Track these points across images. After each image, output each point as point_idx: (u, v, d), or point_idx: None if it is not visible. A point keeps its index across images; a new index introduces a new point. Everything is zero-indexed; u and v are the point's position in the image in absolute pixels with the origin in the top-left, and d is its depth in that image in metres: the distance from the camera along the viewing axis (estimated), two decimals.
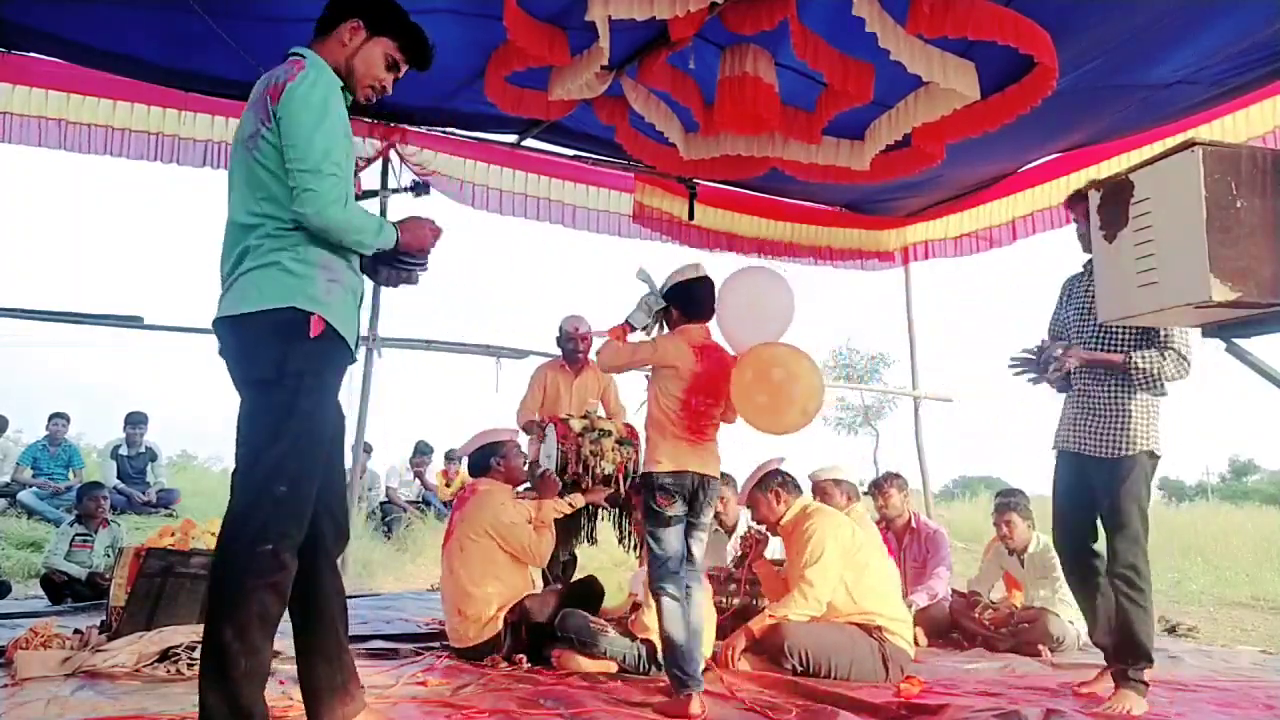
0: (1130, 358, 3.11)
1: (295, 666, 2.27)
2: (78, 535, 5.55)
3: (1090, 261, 3.36)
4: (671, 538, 3.13)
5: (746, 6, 3.81)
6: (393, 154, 5.44)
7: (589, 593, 3.98)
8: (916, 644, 4.00)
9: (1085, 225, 3.30)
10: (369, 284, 2.47)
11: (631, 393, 5.43)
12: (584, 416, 4.58)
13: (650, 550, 3.17)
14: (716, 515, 5.20)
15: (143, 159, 4.92)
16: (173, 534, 3.92)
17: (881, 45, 3.64)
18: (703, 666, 3.29)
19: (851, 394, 23.09)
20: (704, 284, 3.26)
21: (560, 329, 5.07)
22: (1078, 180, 5.44)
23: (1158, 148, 3.79)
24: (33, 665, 3.01)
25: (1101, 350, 3.21)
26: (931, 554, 4.96)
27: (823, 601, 3.70)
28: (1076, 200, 3.38)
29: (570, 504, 4.12)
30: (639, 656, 3.54)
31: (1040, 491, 3.74)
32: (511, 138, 5.67)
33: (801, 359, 3.21)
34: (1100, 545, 3.29)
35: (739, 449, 3.59)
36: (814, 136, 4.80)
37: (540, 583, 4.32)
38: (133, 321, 5.43)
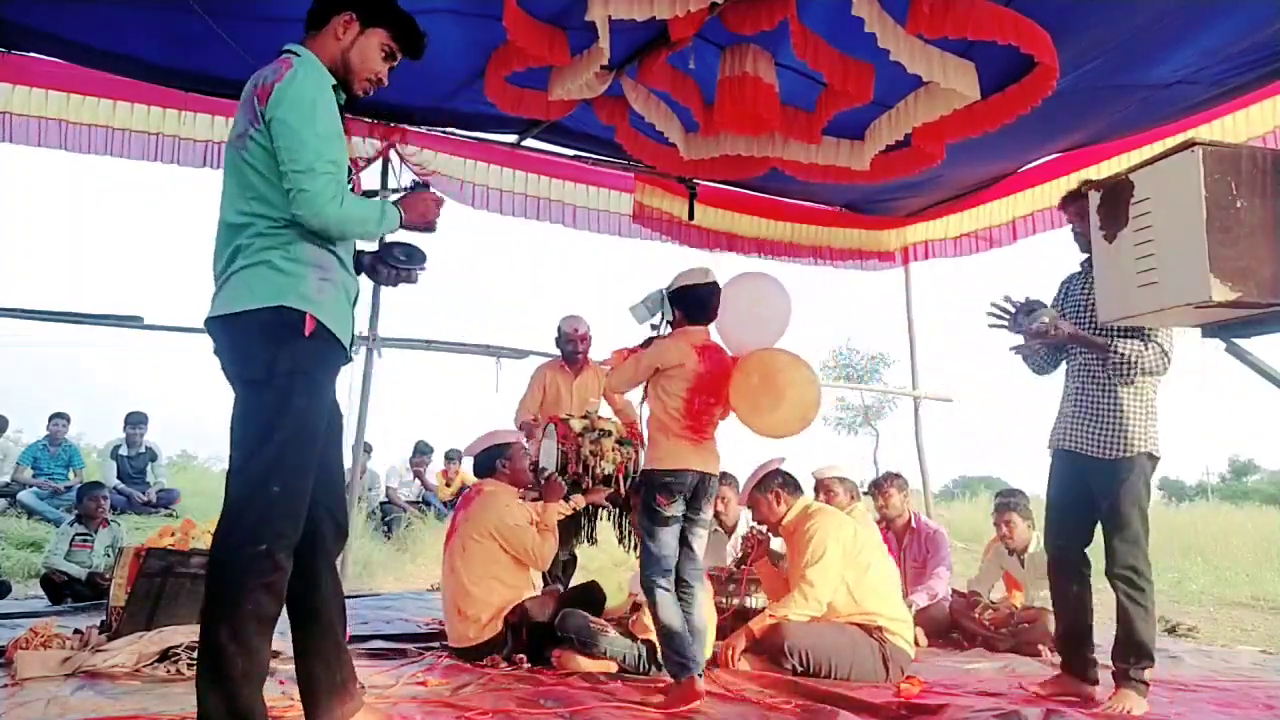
0: (1114, 341, 3.12)
1: (289, 665, 2.27)
2: (78, 535, 5.56)
3: (1087, 261, 3.36)
4: (667, 537, 3.19)
5: (746, 6, 3.81)
6: (393, 154, 5.43)
7: (590, 599, 3.97)
8: (916, 644, 4.00)
9: (1080, 225, 3.31)
10: (369, 284, 2.47)
11: (630, 393, 5.42)
12: (584, 416, 4.58)
13: (644, 546, 3.23)
14: (717, 515, 5.21)
15: (143, 159, 4.91)
16: (173, 534, 3.92)
17: (881, 45, 3.63)
18: (703, 667, 3.31)
19: (851, 394, 23.10)
20: (712, 288, 3.33)
21: (559, 329, 5.07)
22: (1078, 180, 5.43)
23: (1158, 148, 3.80)
24: (33, 665, 3.01)
25: (1093, 350, 3.21)
26: (931, 554, 4.96)
27: (823, 602, 3.70)
28: (1070, 200, 3.37)
29: (573, 506, 4.12)
30: (639, 656, 3.54)
31: (1040, 492, 3.74)
32: (511, 138, 5.67)
33: (804, 367, 3.33)
34: (1090, 548, 3.29)
35: (739, 449, 3.61)
36: (814, 136, 4.80)
37: (540, 584, 4.32)
38: (133, 321, 5.43)
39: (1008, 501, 4.79)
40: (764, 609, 3.90)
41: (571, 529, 4.46)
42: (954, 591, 4.93)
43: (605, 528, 4.73)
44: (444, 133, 5.56)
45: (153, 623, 3.41)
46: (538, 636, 3.66)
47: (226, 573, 2.01)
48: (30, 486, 7.58)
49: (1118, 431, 3.13)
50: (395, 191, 5.59)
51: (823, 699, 3.10)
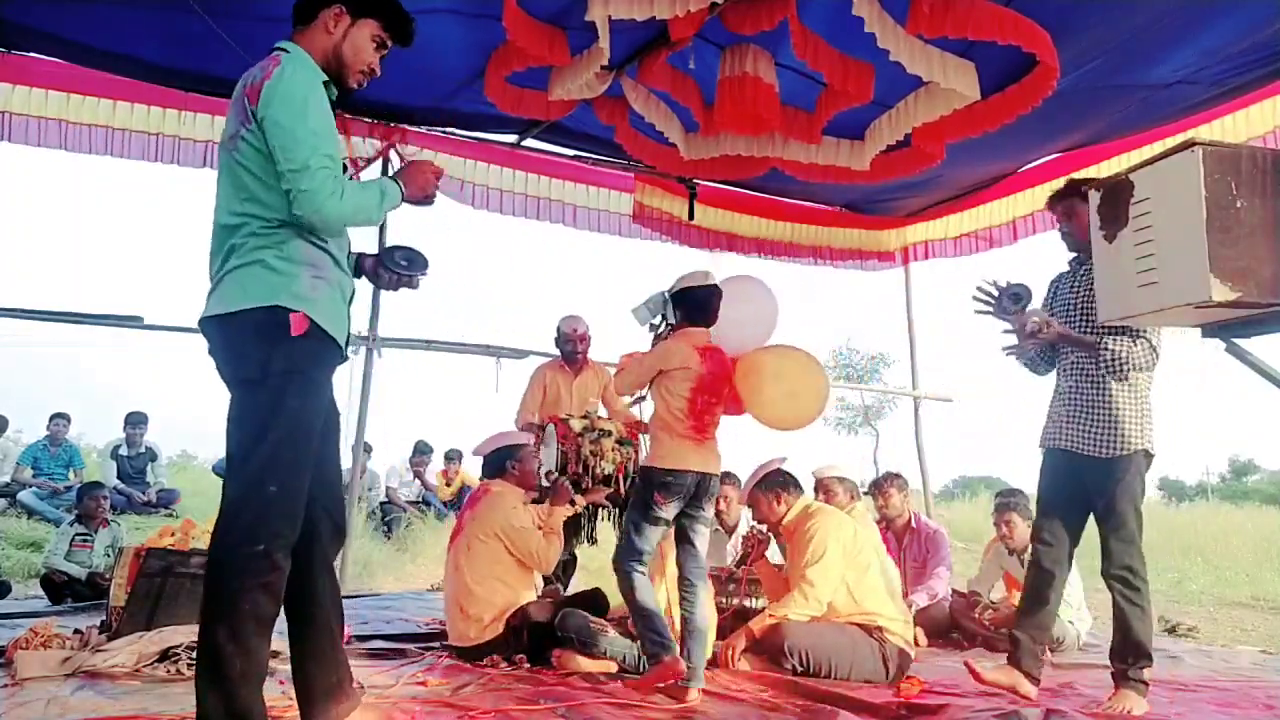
0: (1102, 338, 3.11)
1: (289, 665, 2.26)
2: (78, 535, 5.55)
3: (1075, 259, 3.36)
4: (653, 535, 3.29)
5: (746, 6, 3.81)
6: (393, 154, 5.43)
7: (594, 605, 3.96)
8: (916, 644, 4.00)
9: (1067, 224, 3.31)
10: (369, 283, 2.46)
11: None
12: (584, 416, 4.58)
13: (627, 536, 3.30)
14: (719, 514, 5.22)
15: (143, 159, 4.91)
16: (173, 534, 3.92)
17: (881, 45, 3.63)
18: (703, 667, 3.31)
19: (851, 394, 23.10)
20: (712, 290, 3.40)
21: (559, 330, 5.07)
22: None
23: (1158, 148, 3.80)
24: (33, 665, 3.01)
25: (1084, 349, 3.19)
26: (931, 554, 4.96)
27: (823, 601, 3.70)
28: (1058, 200, 3.36)
29: (576, 509, 4.13)
30: (639, 656, 3.54)
31: None
32: (511, 138, 5.67)
33: (818, 365, 3.55)
34: (1081, 548, 3.27)
35: (741, 447, 3.64)
36: (814, 136, 4.80)
37: (540, 584, 4.32)
38: (133, 321, 5.43)
39: (1008, 501, 4.79)
40: (764, 609, 3.90)
41: (571, 529, 4.45)
42: (954, 591, 4.93)
43: (605, 528, 4.73)
44: (444, 133, 5.56)
45: (153, 623, 3.41)
46: (538, 637, 3.65)
47: (224, 573, 2.00)
48: (30, 486, 7.58)
49: (1113, 429, 3.11)
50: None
51: (823, 699, 3.10)
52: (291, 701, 2.56)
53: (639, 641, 3.27)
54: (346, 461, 6.33)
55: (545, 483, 4.19)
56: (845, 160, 5.01)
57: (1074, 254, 3.36)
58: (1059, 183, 5.56)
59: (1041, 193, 5.78)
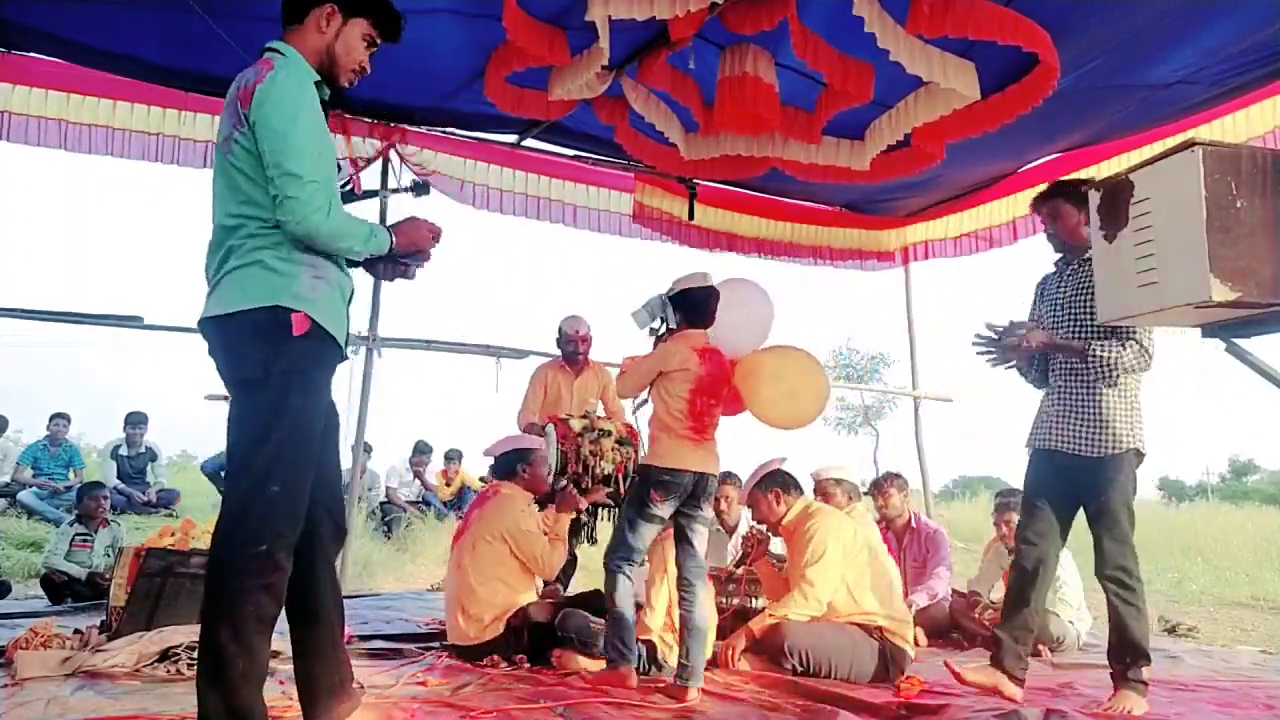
0: (1090, 345, 3.09)
1: (289, 665, 2.27)
2: (78, 535, 5.55)
3: (1061, 260, 3.35)
4: (647, 533, 3.31)
5: (746, 6, 3.81)
6: (393, 154, 5.43)
7: (593, 605, 3.96)
8: (916, 644, 4.00)
9: (1052, 225, 3.30)
10: (370, 283, 2.46)
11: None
12: (584, 416, 4.59)
13: (621, 533, 3.33)
14: (719, 514, 5.22)
15: (143, 159, 4.91)
16: (173, 534, 3.92)
17: (881, 45, 3.63)
18: (703, 666, 3.32)
19: (851, 394, 23.10)
20: (710, 292, 3.42)
21: (560, 330, 5.07)
22: (1077, 180, 5.43)
23: (1158, 148, 3.80)
24: (33, 665, 3.01)
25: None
26: (931, 554, 4.97)
27: (823, 601, 3.70)
28: (1042, 201, 3.35)
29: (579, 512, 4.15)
30: (639, 657, 3.54)
31: None
32: (511, 138, 5.67)
33: (819, 365, 3.58)
34: (1077, 549, 3.26)
35: (741, 447, 3.65)
36: (814, 136, 4.80)
37: (541, 584, 4.33)
38: (133, 321, 5.43)
39: (1008, 501, 4.79)
40: (764, 609, 3.90)
41: (572, 529, 4.45)
42: (954, 591, 4.93)
43: (605, 528, 4.73)
44: (444, 133, 5.56)
45: (153, 623, 3.41)
46: (538, 637, 3.66)
47: (226, 573, 2.00)
48: (30, 486, 7.58)
49: (1104, 429, 3.09)
50: (395, 191, 5.61)
51: (823, 699, 3.11)
52: (292, 701, 2.57)
53: (604, 640, 3.29)
54: (346, 461, 6.33)
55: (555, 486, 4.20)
56: (845, 160, 5.01)
57: (1060, 254, 3.36)
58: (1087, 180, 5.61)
59: None
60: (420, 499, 9.49)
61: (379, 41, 2.32)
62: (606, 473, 4.36)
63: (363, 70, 2.31)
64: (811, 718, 2.90)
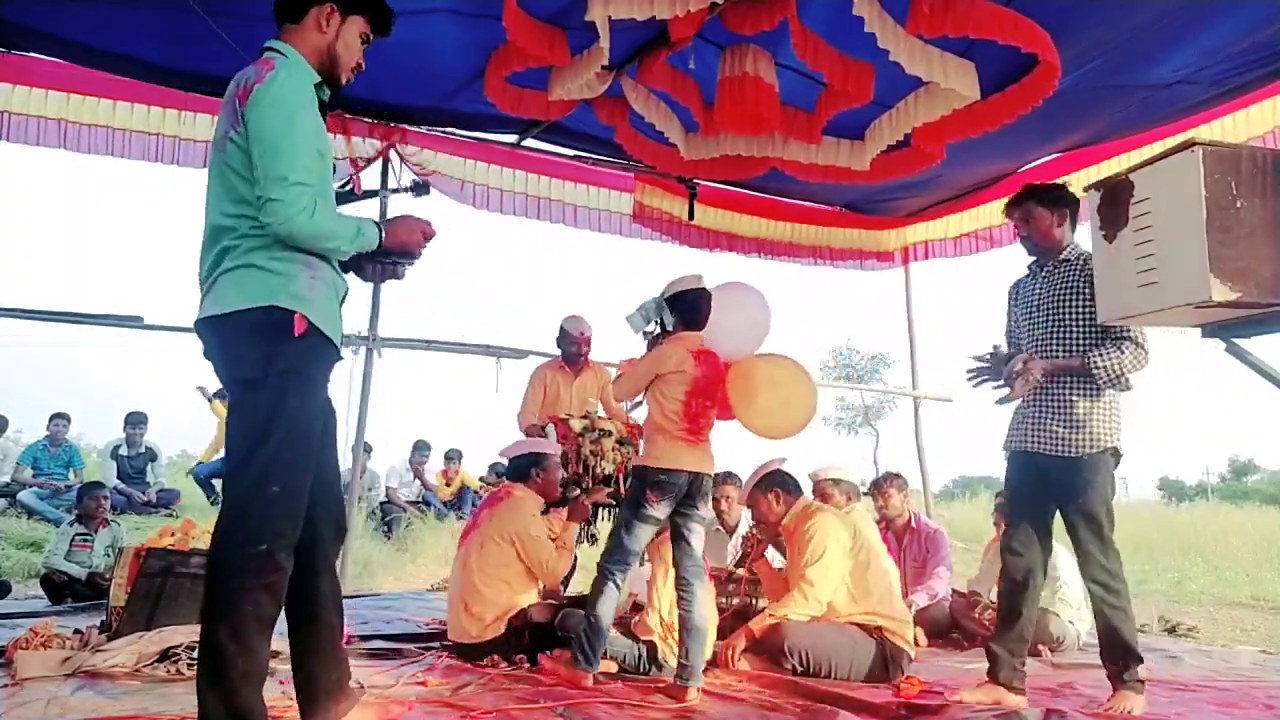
0: (1088, 359, 3.04)
1: (289, 665, 2.27)
2: (78, 535, 5.55)
3: (1035, 263, 3.34)
4: (643, 535, 3.32)
5: (746, 6, 3.81)
6: (393, 154, 5.43)
7: None
8: (916, 644, 4.00)
9: (1026, 229, 3.29)
10: (367, 283, 2.46)
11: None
12: (584, 416, 4.58)
13: (616, 535, 3.34)
14: (719, 514, 5.22)
15: (143, 159, 4.91)
16: (173, 534, 3.93)
17: (881, 45, 3.63)
18: (703, 666, 3.32)
19: (851, 394, 23.14)
20: (703, 294, 3.44)
21: (563, 330, 5.05)
22: (1078, 180, 5.43)
23: (1158, 148, 3.80)
24: (33, 665, 3.01)
25: (1055, 348, 3.16)
26: (931, 554, 4.96)
27: (823, 601, 3.70)
28: (1014, 206, 3.33)
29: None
30: (639, 657, 3.55)
31: None
32: (511, 138, 5.67)
33: (807, 374, 3.55)
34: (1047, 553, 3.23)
35: (741, 447, 3.65)
36: (814, 136, 4.80)
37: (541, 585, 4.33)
38: (133, 321, 5.43)
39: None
40: (764, 609, 3.90)
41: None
42: (954, 591, 4.93)
43: (606, 528, 4.72)
44: (444, 133, 5.56)
45: (153, 623, 3.41)
46: (538, 637, 3.66)
47: (226, 573, 2.00)
48: (30, 486, 7.58)
49: (1082, 429, 3.07)
50: (395, 191, 5.61)
51: (823, 699, 3.10)
52: (292, 702, 2.56)
53: (575, 640, 3.29)
54: (346, 461, 6.34)
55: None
56: (845, 160, 5.01)
57: (1034, 258, 3.34)
58: (1059, 183, 5.61)
59: None
60: (420, 499, 9.49)
61: (371, 39, 2.32)
62: (607, 473, 4.36)
63: (359, 68, 2.31)
64: (811, 718, 2.90)
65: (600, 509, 4.50)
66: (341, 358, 2.29)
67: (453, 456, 9.88)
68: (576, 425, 4.44)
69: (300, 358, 2.09)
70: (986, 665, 3.22)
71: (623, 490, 4.37)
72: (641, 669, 3.54)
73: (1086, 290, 3.10)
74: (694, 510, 3.36)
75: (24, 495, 7.47)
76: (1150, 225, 2.58)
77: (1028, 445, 3.19)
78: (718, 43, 4.17)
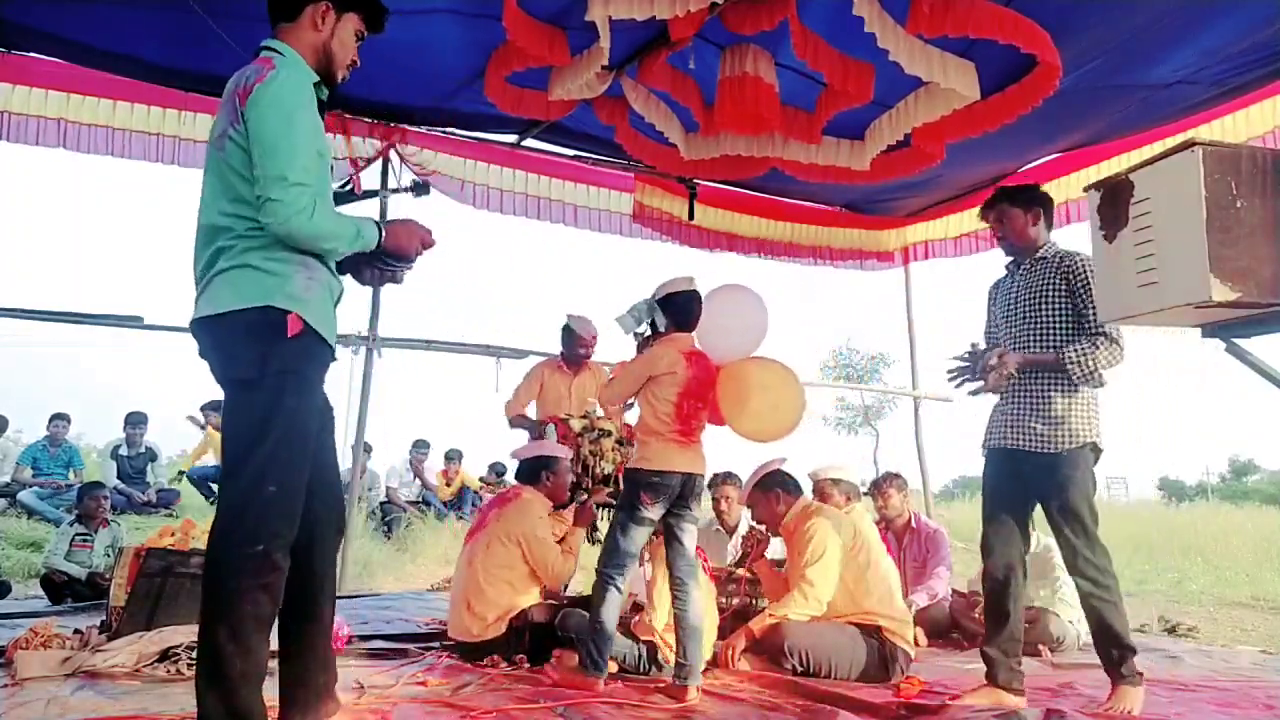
0: (1063, 354, 3.06)
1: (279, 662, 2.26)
2: (78, 535, 5.56)
3: (1012, 263, 3.36)
4: (639, 536, 3.32)
5: (746, 6, 3.81)
6: (393, 154, 5.43)
7: None
8: (916, 644, 4.00)
9: (1001, 230, 3.32)
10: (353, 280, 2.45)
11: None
12: (584, 416, 4.58)
13: (613, 539, 3.34)
14: (719, 514, 5.22)
15: (143, 159, 4.92)
16: (173, 534, 3.93)
17: (881, 45, 3.63)
18: (703, 667, 3.32)
19: (851, 394, 23.15)
20: (693, 295, 3.45)
21: (570, 330, 5.01)
22: (1078, 180, 5.44)
23: (1158, 148, 3.80)
24: (33, 665, 3.01)
25: (1032, 345, 3.16)
26: (931, 554, 4.96)
27: (823, 601, 3.70)
28: (988, 209, 3.37)
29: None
30: (639, 657, 3.55)
31: None
32: (511, 138, 5.67)
33: (795, 378, 3.52)
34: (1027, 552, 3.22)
35: (741, 447, 3.64)
36: (814, 136, 4.80)
37: None
38: (133, 321, 5.43)
39: None
40: (764, 609, 3.90)
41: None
42: (954, 591, 4.93)
43: (605, 528, 4.72)
44: (444, 133, 5.56)
45: (153, 623, 3.41)
46: (538, 637, 3.66)
47: (224, 573, 2.00)
48: (30, 486, 7.58)
49: (1061, 425, 3.07)
50: (395, 191, 5.60)
51: (823, 699, 3.10)
52: None
53: (583, 646, 3.29)
54: (346, 461, 6.35)
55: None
56: (845, 160, 5.01)
57: (1010, 258, 3.37)
58: (1061, 182, 5.63)
59: None
60: (420, 499, 9.50)
61: (365, 35, 2.33)
62: (607, 473, 4.36)
63: (355, 64, 2.31)
64: (811, 718, 2.90)
65: (601, 508, 4.50)
66: (336, 358, 2.29)
67: (453, 456, 9.89)
68: (576, 425, 4.45)
69: (296, 358, 2.09)
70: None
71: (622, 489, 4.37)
72: (641, 669, 3.54)
73: (1063, 288, 3.13)
74: (687, 511, 3.37)
75: (24, 495, 7.47)
76: (1150, 225, 2.58)
77: (1007, 442, 3.19)
78: (718, 43, 4.17)
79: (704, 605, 3.43)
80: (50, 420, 8.07)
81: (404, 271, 2.33)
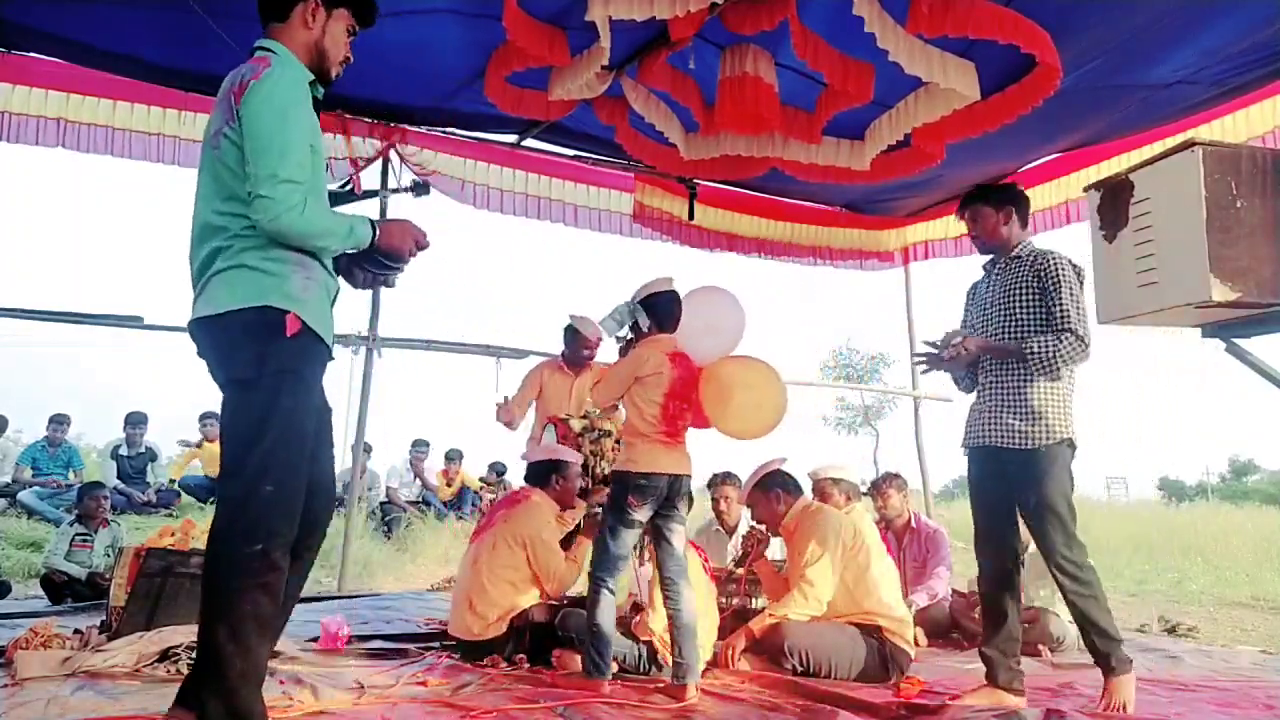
0: (1025, 344, 3.07)
1: (289, 665, 2.26)
2: (78, 535, 5.55)
3: (989, 262, 3.37)
4: (628, 538, 3.34)
5: (746, 6, 3.81)
6: (393, 154, 5.43)
7: None
8: (916, 644, 4.00)
9: (975, 229, 3.34)
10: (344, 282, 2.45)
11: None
12: (584, 417, 4.58)
13: (603, 543, 3.34)
14: (719, 514, 5.22)
15: (143, 159, 4.91)
16: (173, 534, 3.92)
17: (881, 45, 3.64)
18: (702, 666, 3.32)
19: (851, 394, 23.15)
20: (674, 296, 3.47)
21: (575, 332, 4.97)
22: (1078, 180, 5.44)
23: (1158, 148, 3.80)
24: (33, 665, 3.01)
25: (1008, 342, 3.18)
26: (931, 554, 4.96)
27: (823, 601, 3.70)
28: (963, 209, 3.39)
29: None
30: (639, 657, 3.55)
31: None
32: (511, 138, 5.67)
33: (777, 376, 3.52)
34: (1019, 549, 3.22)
35: (741, 447, 3.63)
36: (814, 136, 4.80)
37: None
38: (133, 321, 5.44)
39: None
40: (764, 609, 3.90)
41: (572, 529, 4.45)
42: (954, 591, 4.93)
43: None
44: (444, 133, 5.56)
45: (153, 623, 3.41)
46: (538, 638, 3.66)
47: (223, 573, 2.00)
48: (30, 486, 7.58)
49: (1037, 421, 3.06)
50: (395, 191, 5.60)
51: (823, 699, 3.10)
52: (292, 702, 2.57)
53: (584, 652, 3.29)
54: (346, 461, 6.35)
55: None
56: (845, 160, 5.01)
57: (987, 257, 3.38)
58: (1061, 182, 5.63)
59: (1042, 192, 5.79)
60: (420, 499, 9.50)
61: (356, 31, 2.33)
62: (606, 473, 4.36)
63: (347, 61, 2.32)
64: (811, 718, 2.90)
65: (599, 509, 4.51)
66: (334, 358, 2.29)
67: (453, 456, 9.89)
68: (576, 425, 4.44)
69: (293, 358, 2.09)
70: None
71: None
72: (641, 669, 3.54)
73: (1035, 286, 3.14)
74: (674, 511, 3.38)
75: (24, 495, 7.46)
76: (1150, 225, 2.58)
77: (984, 440, 3.20)
78: (718, 43, 4.17)
79: (701, 604, 3.43)
80: (49, 421, 8.06)
81: (395, 274, 2.32)
